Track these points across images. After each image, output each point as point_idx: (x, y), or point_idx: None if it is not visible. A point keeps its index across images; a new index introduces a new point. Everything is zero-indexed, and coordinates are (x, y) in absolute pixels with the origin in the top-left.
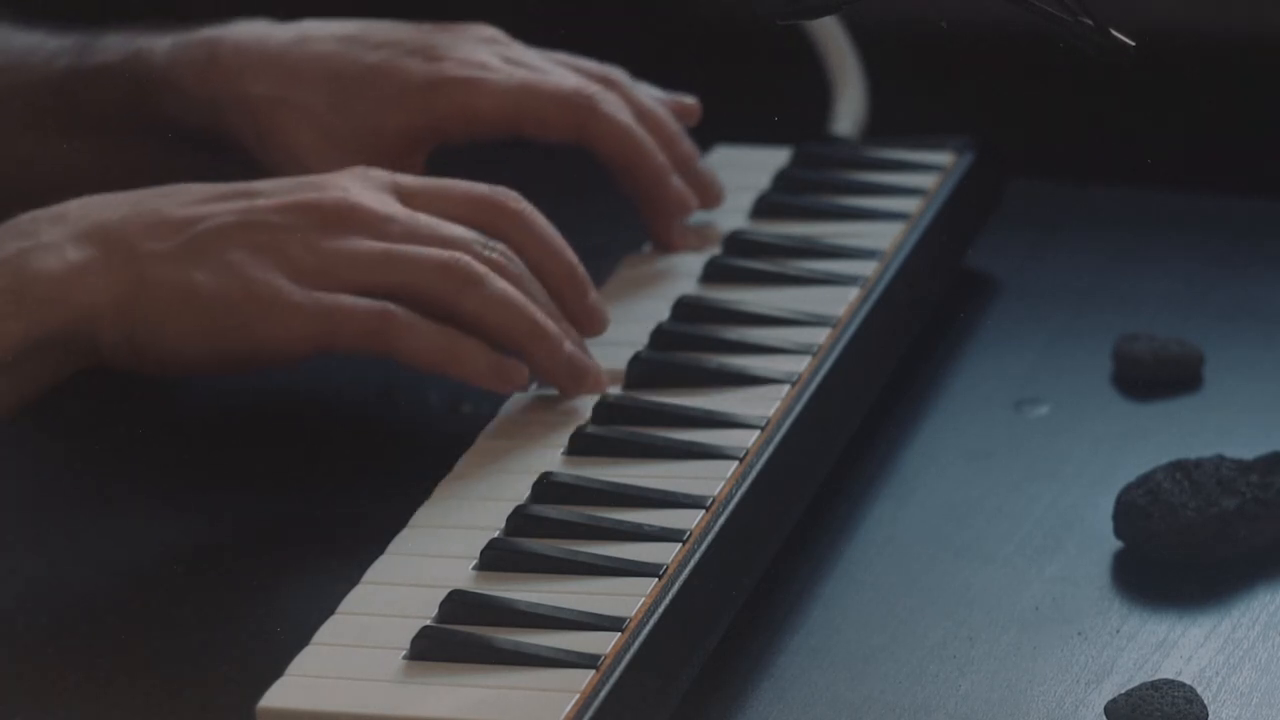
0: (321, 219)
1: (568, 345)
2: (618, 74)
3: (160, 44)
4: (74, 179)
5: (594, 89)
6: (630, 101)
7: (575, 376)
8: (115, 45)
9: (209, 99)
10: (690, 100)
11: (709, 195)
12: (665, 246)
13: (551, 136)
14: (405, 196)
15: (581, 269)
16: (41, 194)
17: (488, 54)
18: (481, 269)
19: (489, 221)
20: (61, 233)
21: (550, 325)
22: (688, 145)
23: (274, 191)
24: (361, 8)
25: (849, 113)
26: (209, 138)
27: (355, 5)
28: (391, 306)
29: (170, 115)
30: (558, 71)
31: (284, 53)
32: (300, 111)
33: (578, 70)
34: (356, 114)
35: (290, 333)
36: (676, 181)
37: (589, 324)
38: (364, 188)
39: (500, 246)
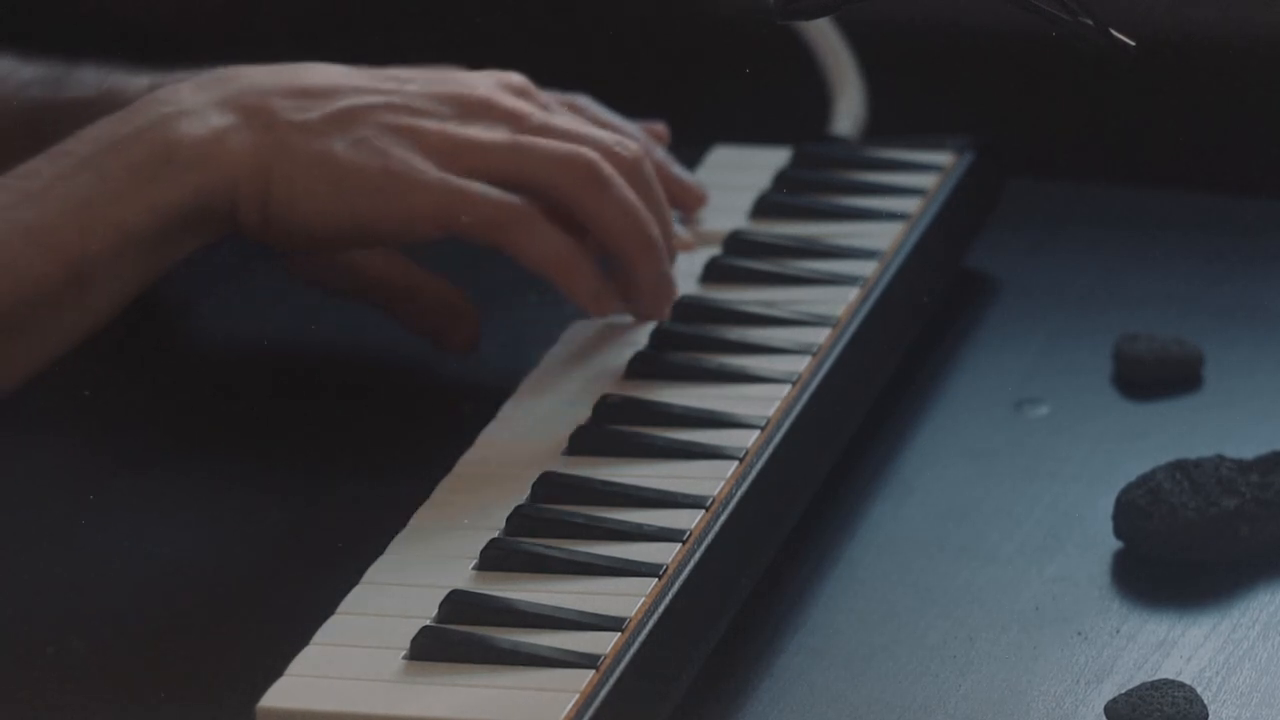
0: (462, 109)
1: (667, 264)
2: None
3: (134, 85)
4: None
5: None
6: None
7: (664, 296)
8: (89, 80)
9: None
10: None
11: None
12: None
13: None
14: (542, 103)
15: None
16: None
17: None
18: (608, 170)
19: None
20: (204, 98)
21: (661, 241)
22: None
23: (420, 79)
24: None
25: (849, 113)
26: None
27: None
28: (519, 200)
29: None
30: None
31: None
32: None
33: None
34: None
35: (417, 210)
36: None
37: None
38: (501, 89)
39: (635, 147)
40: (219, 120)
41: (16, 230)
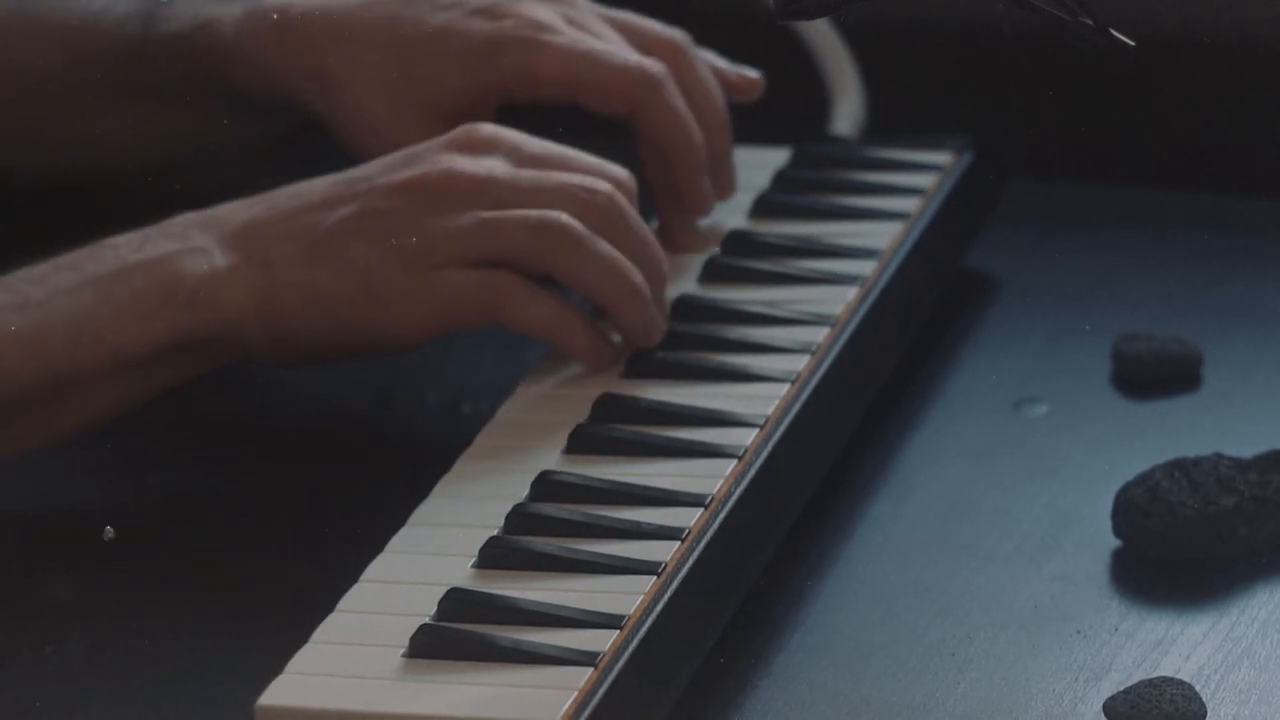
0: (427, 195)
1: (651, 309)
2: (681, 39)
3: (229, 14)
4: (132, 143)
5: (657, 71)
6: (689, 78)
7: (652, 334)
8: (184, 12)
9: (279, 70)
10: (753, 74)
11: (725, 190)
12: (671, 243)
13: (606, 109)
14: (513, 154)
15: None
16: (94, 157)
17: (551, 13)
18: (578, 230)
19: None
20: (209, 238)
21: (641, 283)
22: (728, 137)
23: (384, 172)
24: None
25: (848, 113)
26: (279, 106)
27: None
28: (498, 276)
29: (240, 85)
30: (620, 42)
31: (350, 19)
32: (368, 77)
33: (641, 35)
34: (421, 75)
35: (409, 319)
36: (706, 183)
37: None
38: (467, 155)
39: (604, 189)
40: (221, 261)
41: (7, 333)
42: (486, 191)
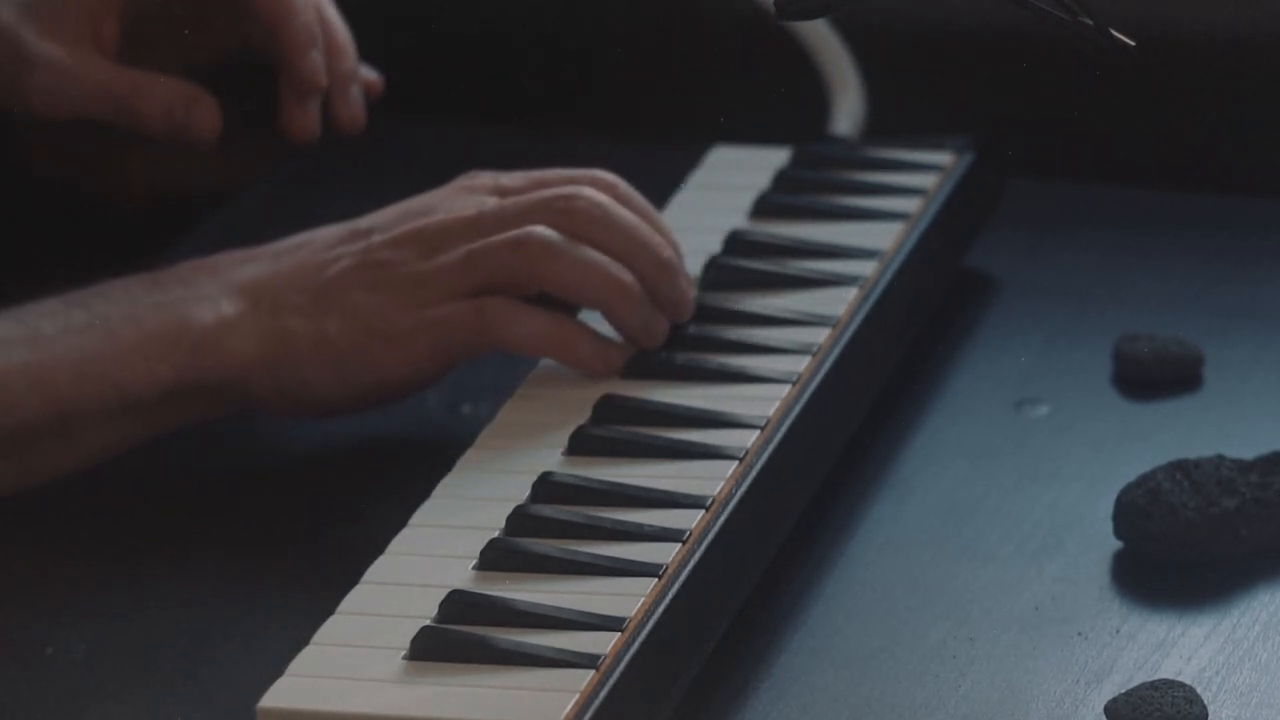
0: (424, 244)
1: (647, 305)
2: None
3: None
4: None
5: None
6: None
7: (652, 331)
8: None
9: None
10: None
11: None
12: (294, 131)
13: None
14: (504, 192)
15: (672, 254)
16: None
17: None
18: (553, 239)
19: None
20: (216, 286)
21: (630, 282)
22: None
23: (385, 226)
24: None
25: (848, 113)
26: None
27: None
28: (487, 300)
29: None
30: None
31: None
32: None
33: None
34: None
35: (409, 358)
36: (316, 56)
37: (678, 311)
38: (463, 200)
39: (586, 195)
40: (229, 309)
41: (14, 365)
42: (476, 228)
